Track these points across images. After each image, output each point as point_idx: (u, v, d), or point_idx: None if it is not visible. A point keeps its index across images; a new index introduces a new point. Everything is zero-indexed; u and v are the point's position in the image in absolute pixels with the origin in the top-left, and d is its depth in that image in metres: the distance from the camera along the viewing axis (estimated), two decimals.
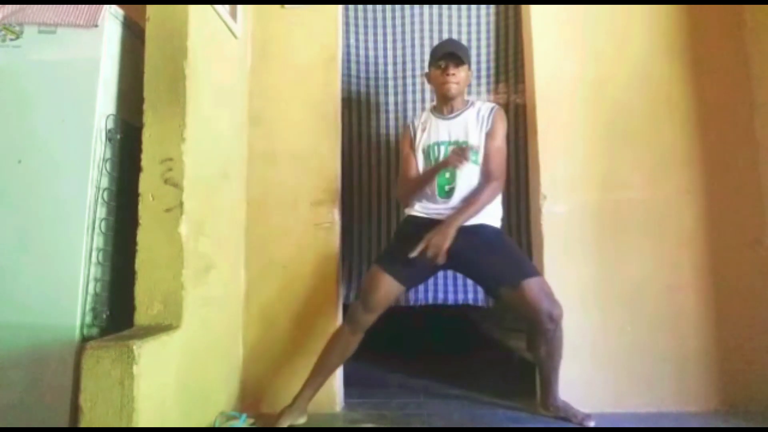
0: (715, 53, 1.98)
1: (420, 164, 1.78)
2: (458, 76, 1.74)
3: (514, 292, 1.60)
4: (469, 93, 2.21)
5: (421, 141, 1.79)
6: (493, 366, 2.52)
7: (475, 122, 1.76)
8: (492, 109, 1.78)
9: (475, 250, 1.64)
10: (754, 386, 1.81)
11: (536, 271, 1.70)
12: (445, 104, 1.80)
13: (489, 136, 1.74)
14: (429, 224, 1.66)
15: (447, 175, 1.71)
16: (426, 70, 1.86)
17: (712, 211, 1.91)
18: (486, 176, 1.70)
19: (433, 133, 1.78)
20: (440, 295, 2.10)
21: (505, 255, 1.68)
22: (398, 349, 2.80)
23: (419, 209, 1.76)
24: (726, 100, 1.95)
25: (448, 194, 1.71)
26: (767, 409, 1.76)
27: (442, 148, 1.75)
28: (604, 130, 1.97)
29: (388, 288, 1.69)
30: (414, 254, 1.58)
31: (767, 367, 1.81)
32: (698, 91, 1.97)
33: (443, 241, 1.57)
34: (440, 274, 2.08)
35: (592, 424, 1.67)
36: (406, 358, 2.61)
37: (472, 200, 1.67)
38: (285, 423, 1.66)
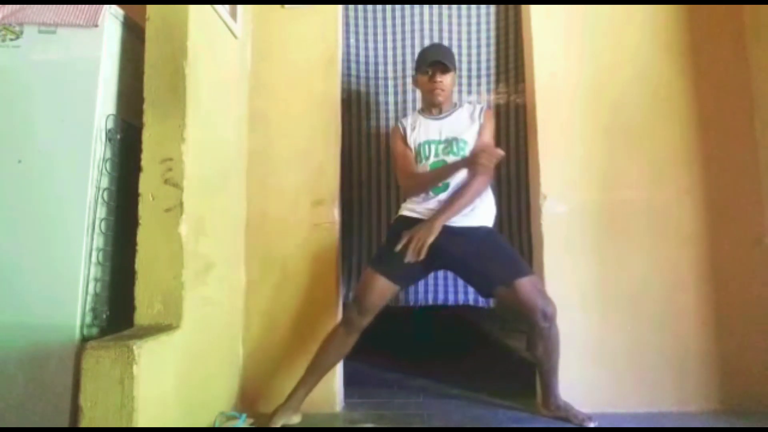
0: (715, 53, 1.98)
1: (413, 160, 1.79)
2: (445, 82, 1.77)
3: (508, 291, 1.62)
4: (470, 93, 2.22)
5: (415, 140, 1.80)
6: (493, 366, 2.52)
7: (468, 121, 1.79)
8: (482, 108, 1.83)
9: (468, 252, 1.66)
10: (754, 386, 1.81)
11: (529, 270, 1.71)
12: (433, 107, 1.83)
13: (478, 133, 1.78)
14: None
15: None
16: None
17: (712, 211, 1.91)
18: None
19: (423, 132, 1.80)
20: (440, 296, 2.10)
21: (498, 255, 1.70)
22: (398, 349, 2.80)
23: (409, 210, 1.76)
24: (726, 100, 1.95)
25: (443, 190, 1.73)
26: (767, 409, 1.76)
27: (433, 147, 1.77)
28: (604, 130, 1.97)
29: (381, 289, 1.70)
30: (398, 248, 1.59)
31: (767, 367, 1.81)
32: (698, 91, 1.97)
33: (427, 235, 1.59)
34: (440, 274, 2.09)
35: (592, 424, 1.67)
36: (407, 358, 2.60)
37: (458, 195, 1.68)
38: (278, 422, 1.66)
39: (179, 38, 1.55)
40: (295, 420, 1.71)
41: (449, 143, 1.76)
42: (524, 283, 1.61)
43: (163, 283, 1.47)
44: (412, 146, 1.81)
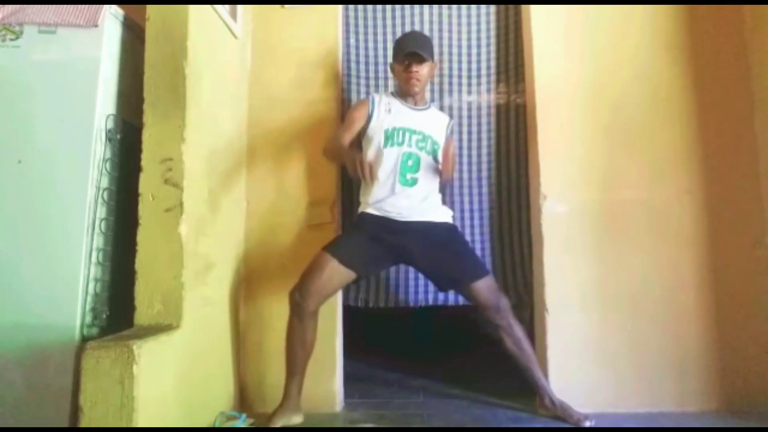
0: (715, 53, 1.98)
1: (378, 142, 1.76)
2: (421, 73, 1.77)
3: (466, 291, 1.75)
4: (470, 93, 2.22)
5: (384, 121, 1.78)
6: (493, 366, 2.51)
7: (439, 122, 1.85)
8: (451, 124, 1.90)
9: (429, 250, 1.72)
10: (754, 386, 1.81)
11: (485, 271, 1.78)
12: (409, 96, 1.83)
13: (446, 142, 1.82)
14: (384, 222, 1.71)
15: (410, 162, 1.75)
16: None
17: (712, 211, 1.91)
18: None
19: (400, 118, 1.79)
20: (440, 296, 2.10)
21: (457, 256, 1.77)
22: (399, 349, 2.80)
23: (374, 208, 1.74)
24: (726, 100, 1.95)
25: (411, 184, 1.74)
26: (767, 409, 1.76)
27: (407, 135, 1.76)
28: (604, 130, 1.97)
29: (331, 272, 1.66)
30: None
31: (767, 367, 1.81)
32: (698, 91, 1.97)
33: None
34: None
35: (587, 424, 1.67)
36: (407, 358, 2.60)
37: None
38: (278, 423, 1.65)
39: (179, 38, 1.55)
40: (296, 420, 1.70)
41: (425, 138, 1.78)
42: (480, 286, 1.71)
43: (163, 283, 1.47)
44: (384, 128, 1.76)
